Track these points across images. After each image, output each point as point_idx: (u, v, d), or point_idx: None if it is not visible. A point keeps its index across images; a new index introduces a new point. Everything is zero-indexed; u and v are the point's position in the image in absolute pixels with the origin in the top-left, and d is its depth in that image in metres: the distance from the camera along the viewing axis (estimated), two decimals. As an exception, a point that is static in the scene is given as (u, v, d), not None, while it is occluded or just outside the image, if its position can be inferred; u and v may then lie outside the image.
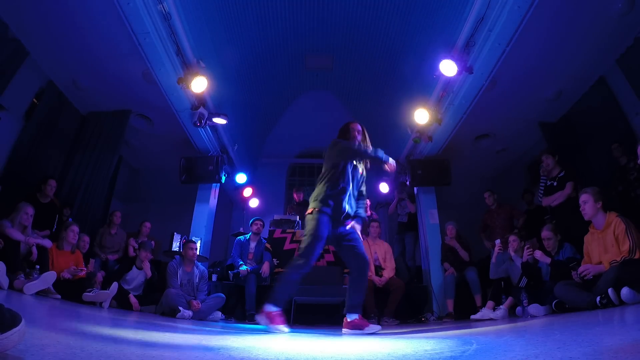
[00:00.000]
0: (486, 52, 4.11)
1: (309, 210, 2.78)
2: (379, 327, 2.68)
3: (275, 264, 5.14)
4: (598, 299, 2.66)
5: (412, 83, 6.02)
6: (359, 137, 2.96)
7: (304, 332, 2.94)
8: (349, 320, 2.63)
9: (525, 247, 3.85)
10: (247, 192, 7.79)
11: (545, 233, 3.78)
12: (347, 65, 7.30)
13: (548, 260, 3.60)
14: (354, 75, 7.56)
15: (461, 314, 4.68)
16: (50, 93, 4.95)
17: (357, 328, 2.58)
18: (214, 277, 5.61)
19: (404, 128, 6.09)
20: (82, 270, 3.91)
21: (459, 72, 4.41)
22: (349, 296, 2.71)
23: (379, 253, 4.99)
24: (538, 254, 3.67)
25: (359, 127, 3.01)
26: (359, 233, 2.89)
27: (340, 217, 2.76)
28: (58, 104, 5.12)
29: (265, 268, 4.85)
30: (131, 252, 5.02)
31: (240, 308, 4.83)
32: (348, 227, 2.81)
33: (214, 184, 6.21)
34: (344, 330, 2.60)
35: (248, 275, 4.77)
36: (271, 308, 2.54)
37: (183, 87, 4.74)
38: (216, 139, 6.19)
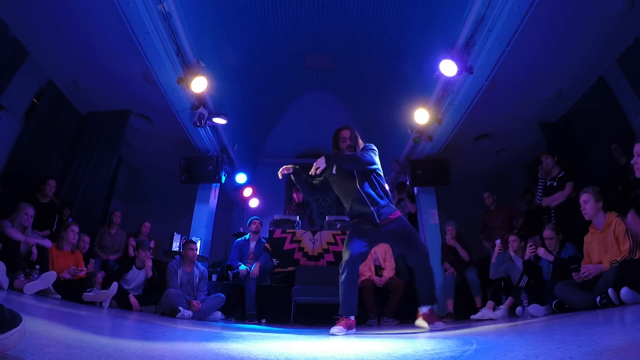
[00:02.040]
0: (486, 52, 4.11)
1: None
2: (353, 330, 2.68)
3: (276, 264, 5.14)
4: (598, 299, 2.66)
5: (412, 83, 6.02)
6: (352, 144, 2.90)
7: (304, 332, 2.94)
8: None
9: (528, 245, 3.84)
10: (247, 192, 7.79)
11: (547, 232, 3.77)
12: (347, 65, 7.30)
13: (551, 257, 3.59)
14: (354, 75, 7.56)
15: (461, 314, 4.68)
16: (50, 93, 4.95)
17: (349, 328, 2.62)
18: (214, 277, 5.61)
19: (404, 128, 6.09)
20: (82, 270, 3.90)
21: (459, 72, 4.41)
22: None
23: (379, 253, 4.99)
24: (541, 251, 3.66)
25: (348, 134, 2.95)
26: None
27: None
28: (58, 104, 5.12)
29: (255, 270, 4.79)
30: (131, 252, 5.02)
31: (240, 308, 4.83)
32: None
33: (214, 184, 6.21)
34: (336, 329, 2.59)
35: (248, 275, 4.77)
36: None
37: (183, 87, 4.74)
38: (216, 139, 6.19)
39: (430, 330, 2.63)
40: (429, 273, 2.80)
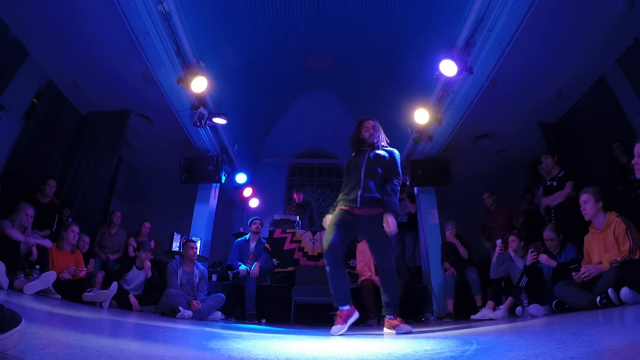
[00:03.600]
0: (486, 52, 4.11)
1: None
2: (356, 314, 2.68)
3: (276, 264, 5.14)
4: (598, 299, 2.66)
5: (412, 83, 6.02)
6: (375, 134, 2.99)
7: (304, 332, 2.94)
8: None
9: (530, 251, 3.83)
10: (247, 192, 7.80)
11: (548, 233, 3.77)
12: (347, 65, 7.30)
13: (554, 263, 3.57)
14: (354, 75, 7.56)
15: (461, 314, 4.68)
16: (50, 93, 4.95)
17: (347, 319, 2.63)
18: (214, 277, 5.61)
19: (404, 128, 6.09)
20: (82, 270, 3.91)
21: (459, 72, 4.41)
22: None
23: (379, 253, 4.98)
24: (543, 257, 3.63)
25: (371, 124, 3.03)
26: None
27: None
28: (58, 104, 5.12)
29: (255, 270, 4.80)
30: (131, 252, 5.02)
31: (240, 308, 4.83)
32: None
33: (214, 184, 6.21)
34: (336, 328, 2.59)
35: (248, 275, 4.77)
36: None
37: (183, 87, 4.74)
38: (216, 139, 6.19)
39: (397, 334, 2.52)
40: (394, 283, 2.74)
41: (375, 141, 2.96)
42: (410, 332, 2.52)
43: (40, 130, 4.82)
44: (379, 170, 2.83)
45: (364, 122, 3.06)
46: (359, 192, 2.75)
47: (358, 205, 2.72)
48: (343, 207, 2.78)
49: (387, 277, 2.74)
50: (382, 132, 3.04)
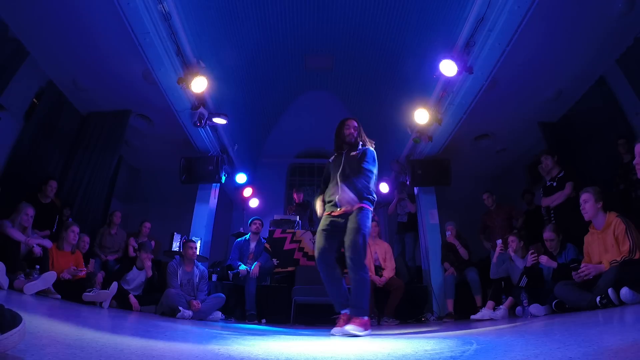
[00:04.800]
0: (486, 52, 4.11)
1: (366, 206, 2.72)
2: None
3: (275, 264, 5.14)
4: (598, 299, 2.66)
5: (412, 83, 6.02)
6: (355, 133, 2.96)
7: (304, 332, 2.94)
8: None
9: (530, 253, 3.83)
10: (247, 192, 7.80)
11: (548, 234, 3.77)
12: (347, 65, 7.30)
13: (554, 264, 3.57)
14: (354, 75, 7.56)
15: (461, 314, 4.69)
16: (50, 93, 4.95)
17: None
18: (214, 277, 5.62)
19: (404, 128, 6.09)
20: (82, 270, 3.91)
21: (459, 72, 4.41)
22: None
23: (379, 253, 4.99)
24: (544, 259, 3.63)
25: (354, 124, 3.00)
26: None
27: None
28: (58, 104, 5.12)
29: (255, 270, 4.81)
30: (131, 252, 5.02)
31: (240, 308, 4.83)
32: None
33: (214, 184, 6.22)
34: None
35: (248, 275, 4.77)
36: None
37: (183, 87, 4.74)
38: (216, 139, 6.19)
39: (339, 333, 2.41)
40: (358, 283, 2.56)
41: (353, 141, 2.94)
42: (350, 335, 2.29)
43: (40, 130, 4.82)
44: (354, 171, 2.79)
45: (346, 120, 3.04)
46: (338, 196, 2.72)
47: (338, 207, 2.73)
48: (328, 213, 2.81)
49: (353, 278, 2.58)
50: (363, 134, 3.02)
